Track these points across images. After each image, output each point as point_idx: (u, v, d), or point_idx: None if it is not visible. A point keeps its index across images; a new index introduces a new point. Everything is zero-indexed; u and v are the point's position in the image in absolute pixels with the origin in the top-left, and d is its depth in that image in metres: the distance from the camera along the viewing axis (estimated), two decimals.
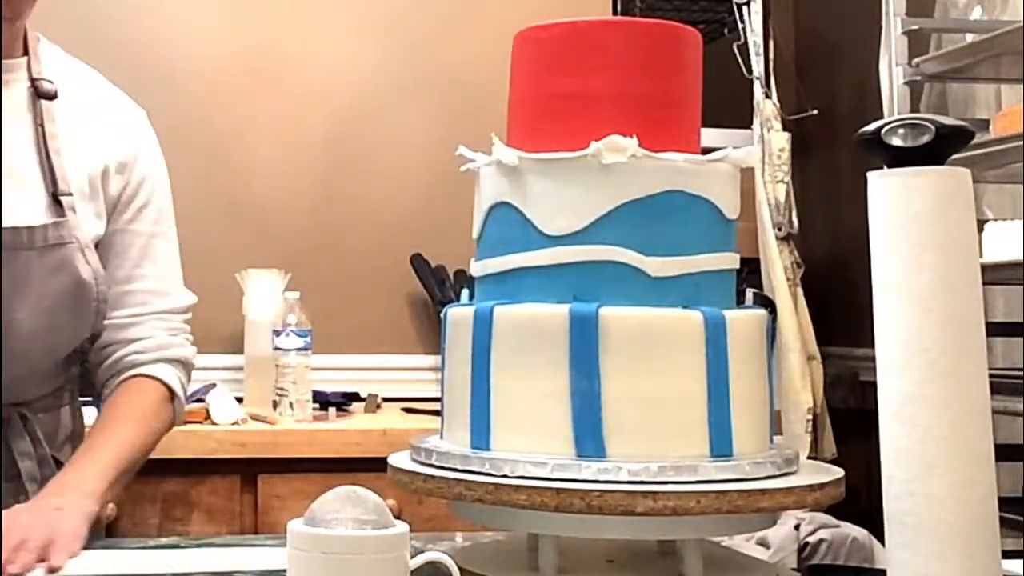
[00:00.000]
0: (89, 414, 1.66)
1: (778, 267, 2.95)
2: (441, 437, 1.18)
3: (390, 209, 3.17)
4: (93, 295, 1.53)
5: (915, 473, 0.99)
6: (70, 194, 1.53)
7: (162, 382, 1.60)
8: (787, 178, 3.01)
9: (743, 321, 1.12)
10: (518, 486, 1.04)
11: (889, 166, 1.03)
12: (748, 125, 3.06)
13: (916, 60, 2.65)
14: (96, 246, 1.56)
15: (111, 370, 1.60)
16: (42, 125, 1.54)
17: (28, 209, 1.50)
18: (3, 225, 1.46)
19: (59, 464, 1.57)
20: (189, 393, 2.69)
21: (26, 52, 1.58)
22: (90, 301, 1.54)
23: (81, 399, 1.71)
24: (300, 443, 2.52)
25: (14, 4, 1.51)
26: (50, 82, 1.56)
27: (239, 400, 2.66)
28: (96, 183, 1.58)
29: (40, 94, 1.55)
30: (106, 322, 1.59)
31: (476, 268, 1.19)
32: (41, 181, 1.53)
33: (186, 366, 1.65)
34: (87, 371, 1.66)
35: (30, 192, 1.52)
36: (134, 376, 1.59)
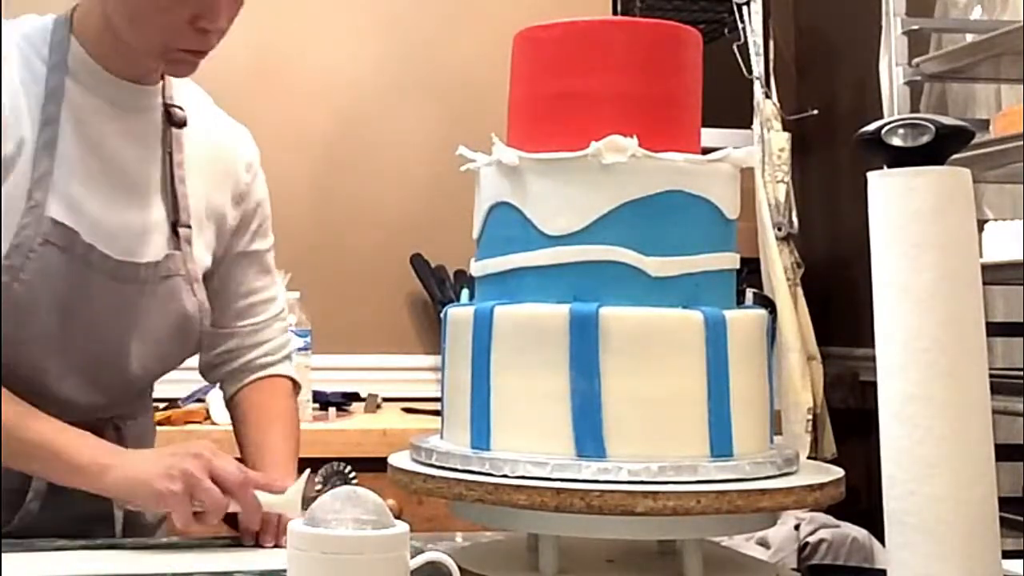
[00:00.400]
0: None
1: (778, 267, 2.95)
2: (441, 437, 1.18)
3: (390, 209, 3.17)
4: (196, 328, 1.56)
5: (915, 473, 0.99)
6: (189, 226, 1.55)
7: (291, 379, 1.72)
8: (787, 178, 3.01)
9: (743, 321, 1.12)
10: (518, 486, 1.04)
11: (889, 166, 1.03)
12: (748, 125, 3.06)
13: (916, 60, 2.65)
14: (205, 276, 1.59)
15: (240, 371, 1.68)
16: (171, 153, 1.54)
17: (149, 239, 1.51)
18: (134, 259, 1.49)
19: None
20: (189, 393, 2.70)
21: (162, 77, 1.56)
22: (194, 333, 1.56)
23: None
24: (300, 443, 2.52)
25: (206, 41, 1.46)
26: (181, 109, 1.56)
27: None
28: (213, 216, 1.60)
29: (172, 121, 1.55)
30: (231, 329, 1.66)
31: (476, 268, 1.19)
32: (163, 209, 1.53)
33: (292, 358, 1.76)
34: None
35: (153, 220, 1.52)
36: (266, 376, 1.69)
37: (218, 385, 1.73)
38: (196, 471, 1.35)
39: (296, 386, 1.74)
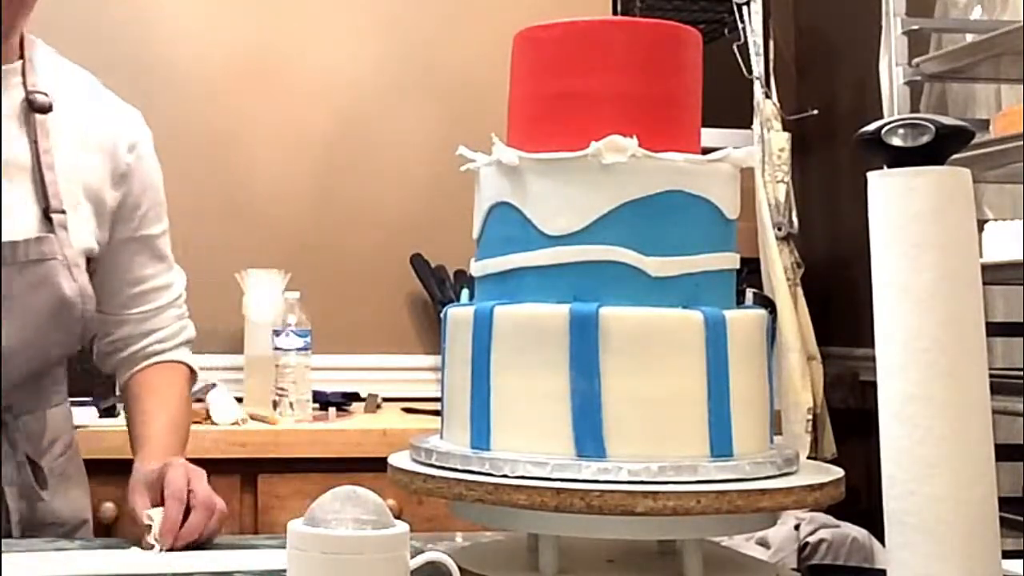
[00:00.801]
0: (83, 415, 1.69)
1: (778, 267, 2.95)
2: (441, 437, 1.18)
3: (390, 209, 3.17)
4: (78, 312, 1.53)
5: (915, 473, 0.99)
6: (62, 211, 1.53)
7: (187, 365, 1.71)
8: (787, 178, 3.01)
9: (743, 321, 1.12)
10: (518, 486, 1.04)
11: (889, 166, 1.03)
12: (748, 125, 3.06)
13: (916, 60, 2.65)
14: (89, 260, 1.57)
15: (132, 359, 1.67)
16: (36, 141, 1.53)
17: (18, 224, 1.50)
18: None
19: (37, 468, 1.58)
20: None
21: (21, 56, 1.55)
22: (75, 318, 1.54)
23: (77, 399, 1.73)
24: (300, 443, 2.52)
25: (7, 18, 1.50)
26: (44, 94, 1.54)
27: (239, 400, 2.66)
28: (93, 198, 1.58)
29: (34, 108, 1.53)
30: (121, 317, 1.65)
31: (476, 268, 1.19)
32: (33, 196, 1.52)
33: (191, 343, 1.75)
34: (84, 372, 1.69)
35: (21, 207, 1.51)
36: (160, 363, 1.68)
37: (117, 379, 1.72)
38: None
39: (192, 373, 1.73)
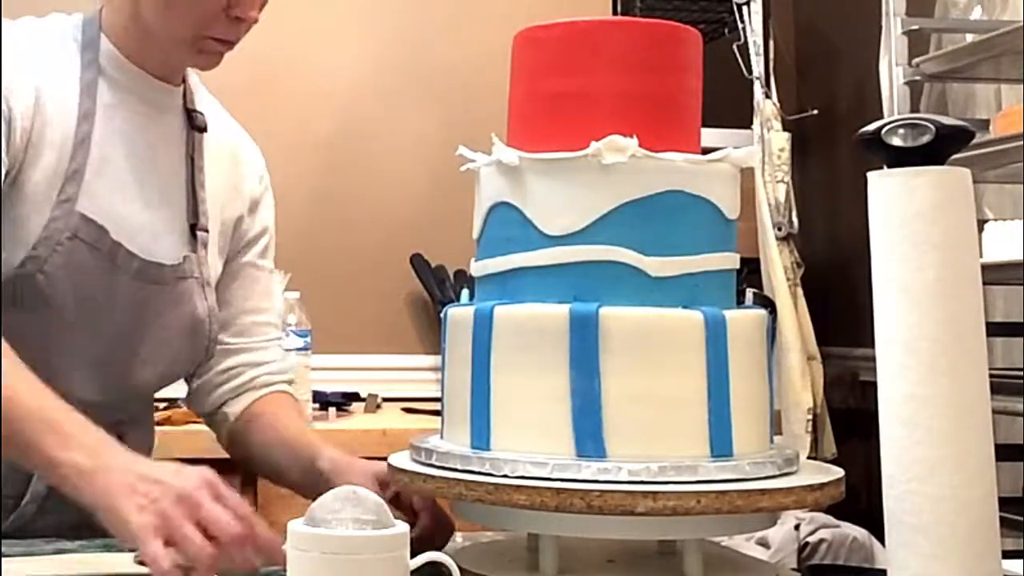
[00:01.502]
0: None
1: (778, 267, 2.95)
2: (441, 437, 1.18)
3: (390, 209, 3.17)
4: (206, 332, 1.55)
5: (915, 473, 0.99)
6: (206, 230, 1.55)
7: (295, 399, 1.69)
8: (787, 178, 3.01)
9: (743, 321, 1.12)
10: (518, 486, 1.04)
11: (889, 166, 1.03)
12: (748, 125, 3.06)
13: (916, 60, 2.65)
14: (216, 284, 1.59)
15: (243, 388, 1.63)
16: (192, 156, 1.55)
17: (169, 240, 1.51)
18: (143, 256, 1.47)
19: None
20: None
21: (184, 81, 1.57)
22: (203, 337, 1.55)
23: None
24: None
25: (237, 30, 1.50)
26: (201, 114, 1.57)
27: None
28: (229, 224, 1.60)
29: (193, 126, 1.56)
30: (232, 346, 1.63)
31: (476, 268, 1.19)
32: (184, 211, 1.53)
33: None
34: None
35: (178, 223, 1.52)
36: (273, 393, 1.65)
37: (209, 415, 1.67)
38: (176, 515, 1.11)
39: (301, 410, 1.72)
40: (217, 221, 1.58)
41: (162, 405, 2.60)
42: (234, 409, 1.64)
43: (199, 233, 1.53)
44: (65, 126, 1.43)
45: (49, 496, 1.48)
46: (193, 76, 1.61)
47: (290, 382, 1.70)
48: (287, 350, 2.65)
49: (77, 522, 1.47)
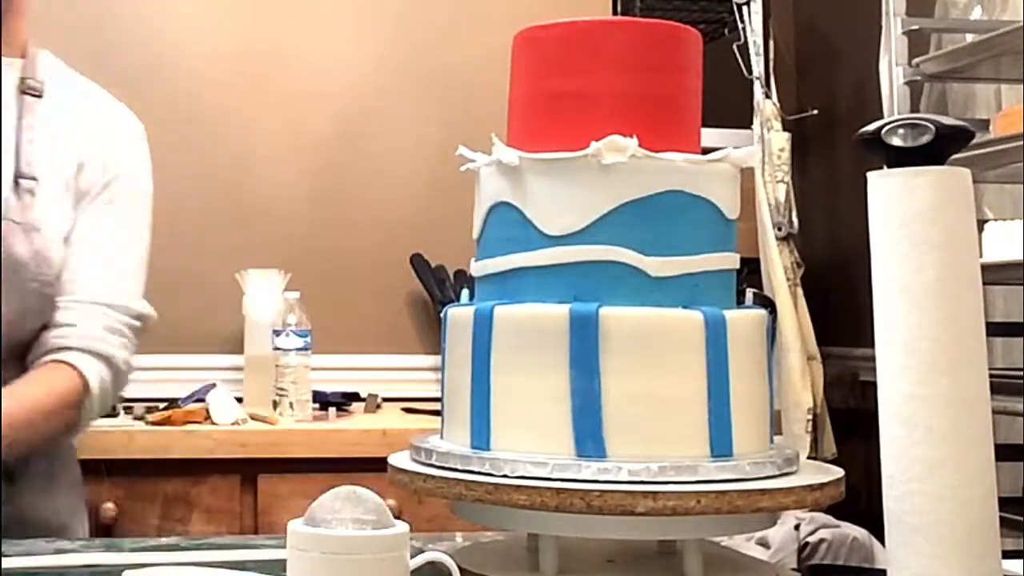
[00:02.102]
0: None
1: (778, 267, 2.95)
2: (441, 437, 1.18)
3: (390, 209, 3.17)
4: (31, 275, 1.53)
5: (915, 473, 0.99)
6: (33, 178, 1.58)
7: (78, 372, 1.54)
8: (787, 178, 3.01)
9: (743, 321, 1.12)
10: (518, 486, 1.04)
11: (889, 166, 1.03)
12: (748, 125, 3.06)
13: (916, 60, 2.65)
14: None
15: (36, 351, 1.56)
16: (20, 116, 1.61)
17: None
18: None
19: None
20: (189, 393, 2.69)
21: (23, 56, 1.66)
22: (28, 281, 1.53)
23: None
24: (300, 443, 2.52)
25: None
26: (39, 82, 1.65)
27: (239, 400, 2.66)
28: (71, 180, 1.62)
29: (24, 90, 1.63)
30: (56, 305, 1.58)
31: (476, 268, 1.19)
32: (11, 164, 1.57)
33: (113, 367, 1.58)
34: None
35: None
36: (52, 361, 1.54)
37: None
38: None
39: (85, 385, 1.54)
40: (60, 177, 1.60)
41: (162, 405, 2.61)
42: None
43: (21, 180, 1.56)
44: None
45: None
46: (47, 56, 1.69)
47: (97, 353, 1.57)
48: (286, 349, 2.66)
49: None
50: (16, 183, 1.57)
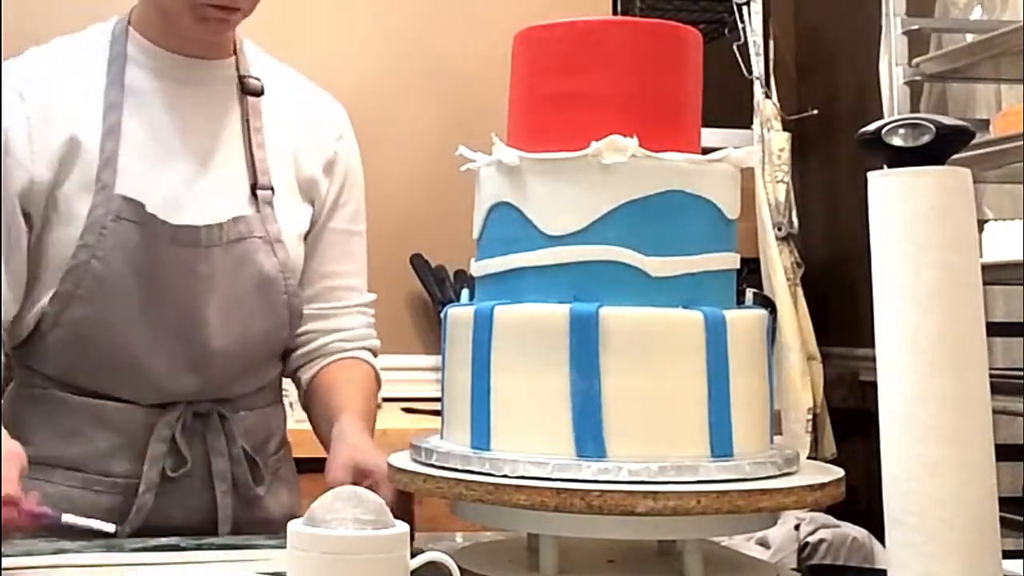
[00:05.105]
0: None
1: (778, 267, 2.95)
2: (441, 437, 1.18)
3: (390, 209, 3.17)
4: (281, 288, 1.56)
5: (915, 473, 0.99)
6: (270, 188, 1.57)
7: (371, 365, 1.67)
8: (787, 178, 3.01)
9: (743, 321, 1.12)
10: (518, 486, 1.04)
11: (889, 166, 1.03)
12: (748, 125, 3.06)
13: (916, 60, 2.65)
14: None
15: (314, 354, 1.65)
16: (247, 120, 1.59)
17: (228, 202, 1.54)
18: (193, 223, 1.51)
19: (254, 463, 1.59)
20: None
21: (234, 53, 1.63)
22: (279, 294, 1.56)
23: None
24: (300, 443, 2.51)
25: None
26: (256, 79, 1.62)
27: None
28: (304, 182, 1.62)
29: (246, 91, 1.60)
30: (307, 312, 1.63)
31: (476, 268, 1.19)
32: (244, 173, 1.56)
33: (377, 355, 1.71)
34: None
35: (232, 185, 1.55)
36: (344, 359, 1.65)
37: (294, 382, 1.69)
38: None
39: (377, 377, 1.68)
40: (289, 179, 1.60)
41: None
42: (305, 376, 1.66)
43: (259, 192, 1.56)
44: (91, 126, 1.51)
45: (164, 481, 1.52)
46: (251, 45, 1.68)
47: (372, 350, 1.69)
48: None
49: (195, 507, 1.54)
50: (254, 194, 1.56)
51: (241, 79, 1.60)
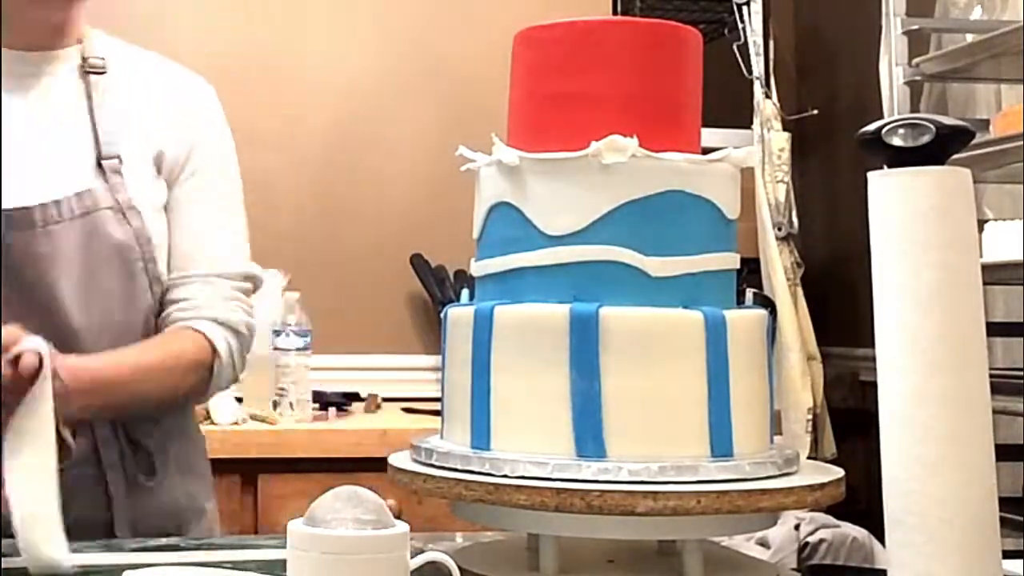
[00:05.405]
0: None
1: (778, 267, 2.95)
2: (441, 437, 1.18)
3: (390, 209, 3.17)
4: (137, 256, 1.53)
5: (915, 473, 0.99)
6: (116, 157, 1.55)
7: (204, 335, 1.58)
8: (787, 178, 3.01)
9: (743, 321, 1.12)
10: (518, 486, 1.04)
11: (889, 166, 1.03)
12: (748, 125, 3.06)
13: (916, 60, 2.65)
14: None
15: (160, 327, 1.59)
16: (90, 96, 1.58)
17: (73, 177, 1.53)
18: (26, 204, 1.48)
19: (137, 448, 1.55)
20: None
21: (80, 42, 1.62)
22: (135, 262, 1.53)
23: None
24: (300, 443, 2.52)
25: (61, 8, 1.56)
26: (100, 59, 1.61)
27: (239, 400, 2.66)
28: (156, 156, 1.60)
29: (87, 70, 1.60)
30: (165, 284, 1.59)
31: (476, 268, 1.19)
32: (88, 150, 1.55)
33: (236, 332, 1.62)
34: None
35: (79, 162, 1.54)
36: (175, 328, 1.58)
37: None
38: None
39: (214, 351, 1.58)
40: (143, 153, 1.58)
41: None
42: None
43: (105, 162, 1.54)
44: None
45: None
46: (102, 35, 1.67)
47: (220, 321, 1.60)
48: (286, 349, 2.66)
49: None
50: (100, 166, 1.55)
51: (84, 60, 1.61)
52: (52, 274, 1.49)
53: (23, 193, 1.50)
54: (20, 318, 1.41)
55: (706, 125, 1.21)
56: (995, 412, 1.04)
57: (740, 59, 3.02)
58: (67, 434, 1.41)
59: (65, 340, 1.46)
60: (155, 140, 1.61)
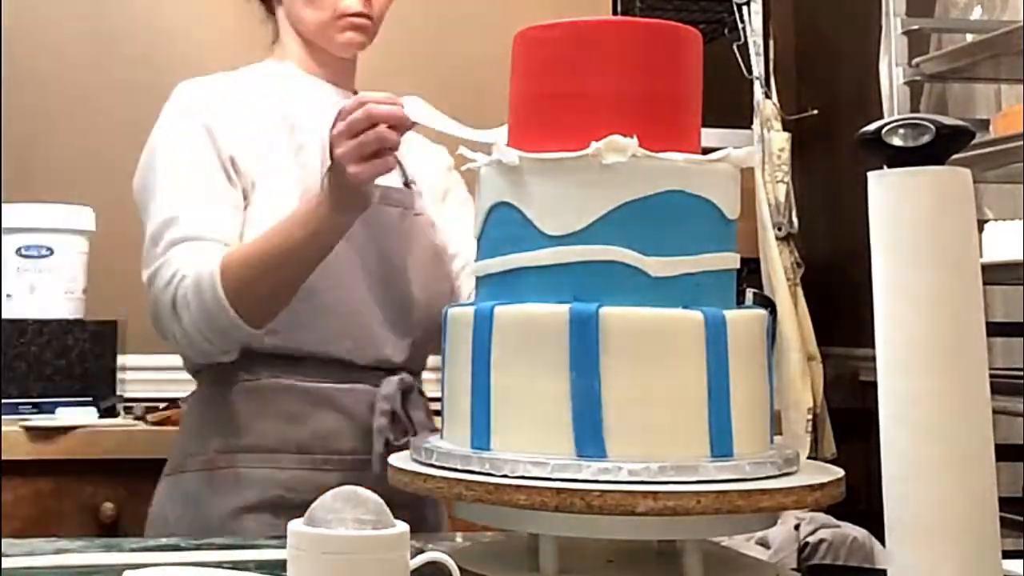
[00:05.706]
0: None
1: (778, 267, 2.95)
2: (441, 437, 1.18)
3: None
4: (447, 261, 1.73)
5: (915, 473, 0.99)
6: (415, 183, 1.76)
7: None
8: (787, 178, 3.01)
9: (743, 321, 1.12)
10: (518, 486, 1.04)
11: (889, 166, 1.03)
12: (748, 125, 3.06)
13: (916, 60, 2.65)
14: None
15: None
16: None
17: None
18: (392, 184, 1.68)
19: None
20: (190, 393, 2.69)
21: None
22: (446, 266, 1.71)
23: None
24: None
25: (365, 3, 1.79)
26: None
27: None
28: (430, 177, 1.81)
29: None
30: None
31: (476, 268, 1.19)
32: (397, 171, 1.69)
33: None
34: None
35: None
36: None
37: None
38: (359, 140, 1.44)
39: None
40: (424, 176, 1.78)
41: (162, 405, 2.60)
42: None
43: (411, 186, 1.75)
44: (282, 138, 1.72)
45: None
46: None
47: None
48: None
49: None
50: (408, 187, 1.74)
51: None
52: (402, 251, 1.67)
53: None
54: (372, 286, 1.63)
55: (706, 125, 1.21)
56: (995, 412, 1.04)
57: (740, 59, 3.01)
58: (402, 415, 1.63)
59: (407, 318, 1.66)
60: (430, 165, 1.85)
